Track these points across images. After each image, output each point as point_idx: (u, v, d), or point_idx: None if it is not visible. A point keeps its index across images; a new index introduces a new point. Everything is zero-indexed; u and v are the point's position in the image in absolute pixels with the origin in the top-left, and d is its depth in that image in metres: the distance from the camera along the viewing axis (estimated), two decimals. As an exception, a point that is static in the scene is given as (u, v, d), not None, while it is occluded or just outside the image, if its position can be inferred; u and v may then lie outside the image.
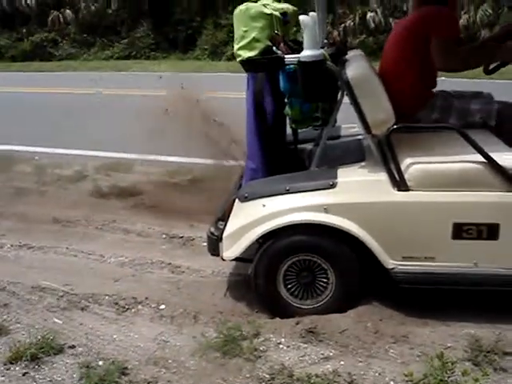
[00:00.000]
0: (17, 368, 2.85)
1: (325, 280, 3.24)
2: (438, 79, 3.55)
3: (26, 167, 6.43)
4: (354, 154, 3.47)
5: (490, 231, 3.00)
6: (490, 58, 3.34)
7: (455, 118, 3.34)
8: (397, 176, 3.06)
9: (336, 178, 3.17)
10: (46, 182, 5.84)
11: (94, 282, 3.73)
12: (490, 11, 16.61)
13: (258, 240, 3.23)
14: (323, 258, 3.19)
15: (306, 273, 3.24)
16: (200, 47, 19.22)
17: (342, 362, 2.83)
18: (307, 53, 3.16)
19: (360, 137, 3.74)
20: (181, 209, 4.89)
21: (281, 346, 2.97)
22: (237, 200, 3.44)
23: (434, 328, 3.10)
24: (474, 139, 2.98)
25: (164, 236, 4.48)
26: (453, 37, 3.22)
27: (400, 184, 3.06)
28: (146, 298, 3.47)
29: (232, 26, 3.61)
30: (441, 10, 3.25)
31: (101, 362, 2.86)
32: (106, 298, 3.49)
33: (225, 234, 3.30)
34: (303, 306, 3.28)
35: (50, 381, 2.76)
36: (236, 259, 3.37)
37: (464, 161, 3.01)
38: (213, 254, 3.45)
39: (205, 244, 4.12)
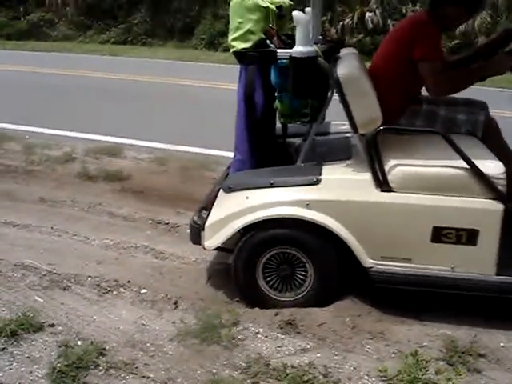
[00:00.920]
0: (-5, 343, 2.86)
1: (303, 274, 3.27)
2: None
3: (15, 146, 6.41)
4: (340, 152, 3.49)
5: (469, 237, 3.02)
6: (479, 79, 3.35)
7: (440, 127, 3.36)
8: (380, 176, 3.09)
9: (320, 174, 3.20)
10: (35, 162, 5.83)
11: (77, 263, 3.73)
12: (488, 19, 16.67)
13: (239, 231, 3.25)
14: (303, 252, 3.21)
15: (285, 266, 3.27)
16: (197, 36, 19.17)
17: (319, 355, 2.86)
18: (299, 49, 3.18)
19: (348, 135, 3.76)
20: (168, 195, 4.92)
21: (259, 335, 3.00)
22: (221, 190, 3.46)
23: (411, 326, 3.13)
24: (458, 145, 3.00)
25: (150, 221, 4.49)
26: (437, 59, 3.21)
27: (383, 184, 3.09)
28: (128, 282, 3.48)
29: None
30: (426, 27, 3.23)
31: (79, 342, 2.87)
32: (89, 279, 3.49)
33: (207, 224, 3.32)
34: (281, 299, 3.31)
35: (28, 357, 2.76)
36: (217, 249, 3.40)
37: (447, 166, 3.04)
38: (194, 243, 3.47)
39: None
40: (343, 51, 3.62)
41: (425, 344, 2.97)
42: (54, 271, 3.57)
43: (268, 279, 3.31)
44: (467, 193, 3.02)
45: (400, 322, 3.17)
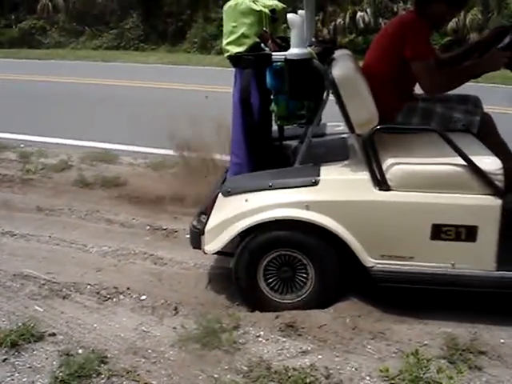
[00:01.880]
0: (-4, 354, 2.86)
1: (304, 275, 3.27)
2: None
3: (11, 154, 6.40)
4: (337, 152, 3.50)
5: (468, 233, 3.04)
6: (473, 76, 3.36)
7: (437, 124, 3.37)
8: (378, 176, 3.10)
9: (318, 175, 3.21)
10: (31, 170, 5.81)
11: (76, 271, 3.73)
12: (479, 15, 16.72)
13: (239, 234, 3.25)
14: (303, 254, 3.22)
15: (286, 268, 3.27)
16: (189, 40, 19.19)
17: (320, 357, 2.86)
18: (294, 51, 3.19)
19: (344, 135, 3.77)
20: (165, 201, 4.90)
21: (260, 339, 3.01)
22: (220, 194, 3.46)
23: (412, 325, 3.14)
24: (455, 142, 3.02)
25: (147, 227, 4.49)
26: (429, 57, 3.22)
27: (381, 184, 3.10)
28: (128, 289, 3.48)
29: (222, 19, 3.63)
30: (415, 26, 3.24)
31: (81, 350, 2.87)
32: (88, 287, 3.50)
33: (207, 228, 3.33)
34: (283, 301, 3.32)
35: (30, 367, 2.76)
36: (217, 253, 3.40)
37: (445, 163, 3.05)
38: (195, 247, 3.48)
39: (188, 236, 4.16)
40: (337, 52, 3.63)
41: (426, 342, 2.98)
42: (54, 280, 3.57)
43: (269, 281, 3.31)
44: (465, 189, 3.04)
45: (400, 322, 3.18)
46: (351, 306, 3.28)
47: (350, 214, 3.13)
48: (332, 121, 4.03)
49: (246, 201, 3.25)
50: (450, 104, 3.51)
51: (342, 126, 3.79)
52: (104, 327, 3.11)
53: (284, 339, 3.00)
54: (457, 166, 3.02)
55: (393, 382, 2.68)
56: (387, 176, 3.08)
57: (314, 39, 3.96)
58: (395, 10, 17.58)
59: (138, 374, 2.71)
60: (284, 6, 3.82)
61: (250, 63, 3.44)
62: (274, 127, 3.98)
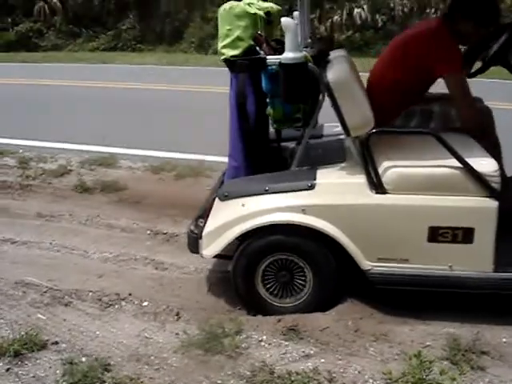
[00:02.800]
0: (0, 364, 2.85)
1: (302, 279, 3.28)
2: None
3: (9, 160, 6.39)
4: (334, 155, 3.50)
5: (465, 235, 3.04)
6: None
7: (436, 123, 3.38)
8: (375, 179, 3.10)
9: (315, 179, 3.21)
10: (30, 176, 5.81)
11: (78, 278, 3.74)
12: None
13: (237, 238, 3.26)
14: (301, 258, 3.23)
15: (284, 272, 3.28)
16: (186, 40, 19.17)
17: (323, 360, 2.87)
18: (289, 55, 3.18)
19: (342, 137, 3.77)
20: (165, 204, 4.92)
21: (262, 343, 3.01)
22: (217, 198, 3.47)
23: (414, 327, 3.15)
24: (450, 144, 3.01)
25: (148, 232, 4.49)
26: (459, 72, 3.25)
27: (378, 187, 3.10)
28: (130, 295, 3.48)
29: (219, 19, 3.63)
30: (445, 42, 3.26)
31: (84, 359, 2.87)
32: (90, 294, 3.50)
33: (204, 232, 3.34)
34: (281, 305, 3.33)
35: (34, 377, 2.77)
36: (216, 257, 3.40)
37: (441, 165, 3.05)
38: (192, 252, 3.49)
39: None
40: (333, 54, 3.63)
41: (428, 344, 2.99)
42: (55, 287, 3.57)
43: (267, 286, 3.32)
44: (462, 192, 3.03)
45: (402, 323, 3.18)
46: (352, 308, 3.28)
47: (347, 217, 3.14)
48: (330, 122, 4.02)
49: (243, 205, 3.25)
50: (447, 104, 3.52)
51: (339, 127, 3.80)
52: (106, 334, 3.11)
53: (286, 343, 3.00)
54: (453, 169, 3.02)
55: (396, 384, 2.69)
56: (383, 179, 3.08)
57: (310, 38, 3.96)
58: (391, 5, 17.53)
59: (142, 382, 2.71)
60: (279, 8, 3.81)
61: (244, 67, 3.44)
62: (271, 129, 3.98)
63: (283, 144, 4.04)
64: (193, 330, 3.10)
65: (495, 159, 3.12)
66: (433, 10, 16.44)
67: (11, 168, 6.14)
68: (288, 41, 3.20)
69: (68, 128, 7.89)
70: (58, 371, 2.80)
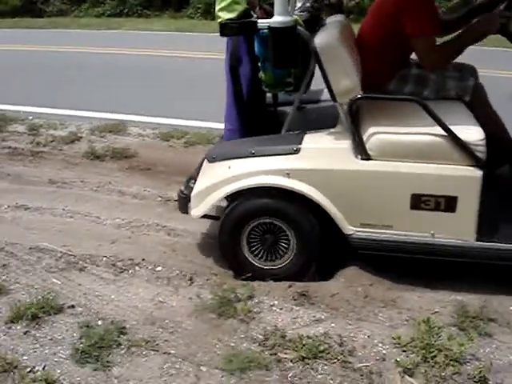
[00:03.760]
0: (18, 327, 2.93)
1: (286, 243, 3.34)
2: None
3: (19, 127, 6.40)
4: (326, 120, 3.48)
5: (447, 203, 3.05)
6: (469, 43, 3.32)
7: (430, 91, 3.37)
8: (359, 145, 3.11)
9: (300, 143, 3.23)
10: (41, 143, 5.84)
11: (91, 244, 3.79)
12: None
13: (227, 199, 3.35)
14: (285, 222, 3.28)
15: (269, 235, 3.34)
16: (193, 5, 18.96)
17: (333, 325, 2.93)
18: (278, 19, 3.13)
19: None
20: (175, 171, 4.94)
21: (274, 308, 3.07)
22: (205, 160, 3.52)
23: (422, 294, 3.21)
24: (436, 112, 2.99)
25: (159, 199, 4.53)
26: (430, 34, 3.18)
27: (362, 153, 3.11)
28: (143, 260, 3.55)
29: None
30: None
31: (100, 322, 2.95)
32: (104, 259, 3.56)
33: (193, 193, 3.41)
34: (265, 267, 3.40)
35: (51, 339, 2.84)
36: (204, 216, 3.47)
37: (425, 133, 3.04)
38: (182, 212, 3.59)
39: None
40: (330, 19, 3.61)
41: (436, 310, 3.04)
42: (70, 253, 3.64)
43: (252, 248, 3.38)
44: (445, 160, 3.03)
45: (411, 290, 3.24)
46: (362, 275, 3.32)
47: (330, 182, 3.16)
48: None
49: (229, 167, 3.30)
50: (444, 71, 3.50)
51: None
52: (121, 298, 3.18)
53: (297, 308, 3.07)
54: (437, 136, 3.01)
55: (405, 349, 2.74)
56: (367, 145, 3.09)
57: (315, 2, 3.89)
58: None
59: (157, 344, 2.79)
60: None
61: (234, 31, 3.42)
62: (269, 94, 3.99)
63: (280, 109, 4.05)
64: (206, 295, 3.16)
65: (495, 131, 3.12)
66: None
67: (21, 135, 6.16)
68: (277, 5, 3.15)
69: (76, 94, 7.87)
70: (74, 334, 2.87)
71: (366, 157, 3.11)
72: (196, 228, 3.99)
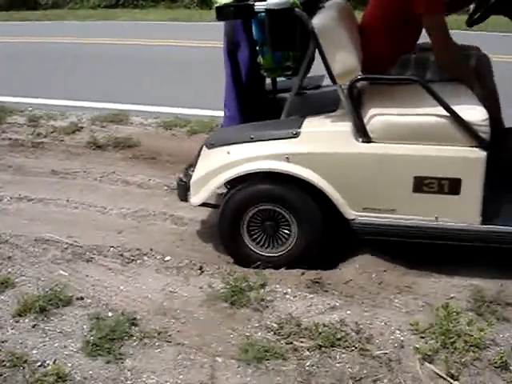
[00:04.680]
0: (26, 320, 2.85)
1: (287, 230, 3.28)
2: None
3: (19, 118, 6.32)
4: (327, 105, 3.42)
5: (451, 186, 2.98)
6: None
7: (432, 73, 3.30)
8: (360, 127, 3.04)
9: (300, 127, 3.16)
10: (42, 134, 5.76)
11: (98, 234, 3.73)
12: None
13: (225, 186, 3.31)
14: (285, 208, 3.22)
15: (270, 222, 3.28)
16: (189, -5, 18.87)
17: (349, 312, 2.87)
18: (274, 1, 3.08)
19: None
20: (179, 160, 4.86)
21: (287, 296, 3.01)
22: (204, 147, 3.46)
23: (437, 279, 3.15)
24: (438, 93, 2.92)
25: (165, 188, 4.47)
26: (437, 10, 3.10)
27: (363, 135, 3.05)
28: (151, 250, 3.48)
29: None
30: None
31: (110, 313, 2.87)
32: (111, 249, 3.49)
33: (192, 180, 3.36)
34: (267, 254, 3.34)
35: (61, 332, 2.77)
36: (203, 205, 3.41)
37: (427, 114, 2.98)
38: (182, 200, 3.54)
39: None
40: (330, 1, 3.55)
41: (452, 295, 2.99)
42: (76, 244, 3.56)
43: (253, 235, 3.33)
44: (448, 141, 2.97)
45: (426, 275, 3.18)
46: (375, 261, 3.26)
47: (331, 166, 3.10)
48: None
49: (228, 153, 3.24)
50: None
51: None
52: (131, 289, 3.11)
53: (311, 296, 3.01)
54: (440, 117, 2.94)
55: (423, 335, 2.68)
56: (368, 127, 3.03)
57: None
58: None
59: (170, 335, 2.72)
60: None
61: (230, 14, 3.34)
62: (268, 80, 3.92)
63: (280, 95, 3.96)
64: (217, 284, 3.10)
65: (492, 109, 3.06)
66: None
67: (21, 126, 6.08)
68: None
69: (75, 85, 7.82)
70: (84, 326, 2.80)
71: (367, 139, 3.04)
72: (203, 216, 3.94)
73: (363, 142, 3.05)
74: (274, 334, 2.72)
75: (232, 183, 3.27)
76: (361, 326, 2.75)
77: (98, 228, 3.83)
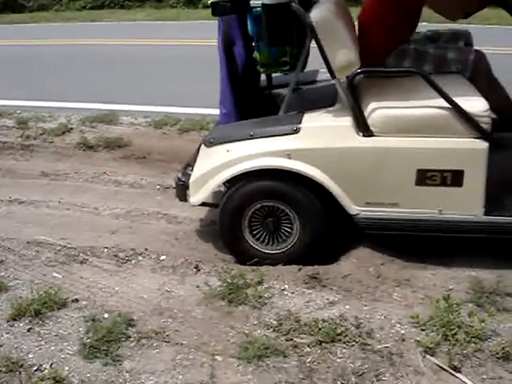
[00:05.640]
0: (21, 324, 2.80)
1: (289, 226, 3.25)
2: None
3: (8, 121, 6.23)
4: (324, 99, 3.40)
5: (454, 178, 2.97)
6: None
7: (430, 66, 3.30)
8: (361, 121, 3.02)
9: (300, 123, 3.14)
10: (31, 136, 5.69)
11: (91, 235, 3.69)
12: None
13: (224, 185, 3.27)
14: (287, 205, 3.19)
15: (271, 219, 3.25)
16: (175, -6, 18.79)
17: (348, 307, 2.85)
18: None
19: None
20: (171, 159, 4.87)
21: (285, 292, 2.98)
22: (202, 145, 3.42)
23: (435, 271, 3.13)
24: (438, 84, 2.92)
25: (158, 187, 4.44)
26: None
27: (364, 129, 3.03)
28: (146, 249, 3.43)
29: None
30: None
31: (106, 315, 2.83)
32: (105, 250, 3.43)
33: (191, 180, 3.32)
34: (268, 252, 3.31)
35: (57, 335, 2.72)
36: (203, 204, 3.38)
37: (428, 106, 2.97)
38: (181, 200, 3.49)
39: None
40: None
41: (451, 287, 2.98)
42: (69, 245, 3.51)
43: (254, 233, 3.30)
44: (450, 133, 2.96)
45: (423, 268, 3.17)
46: (373, 255, 3.24)
47: (333, 161, 3.08)
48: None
49: (228, 151, 3.21)
50: (441, 43, 3.43)
51: None
52: (126, 290, 3.07)
53: (309, 291, 2.98)
54: (441, 109, 2.94)
55: (424, 328, 2.66)
56: (369, 121, 3.01)
57: None
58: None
59: (168, 335, 2.67)
60: None
61: (226, 10, 3.31)
62: (263, 76, 3.91)
63: (275, 91, 3.95)
64: (214, 282, 3.07)
65: (499, 99, 3.04)
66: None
67: (10, 129, 6.00)
68: None
69: (64, 86, 7.77)
70: (80, 329, 2.75)
71: (368, 133, 3.02)
72: (198, 215, 3.92)
73: (364, 135, 3.03)
74: (274, 330, 2.69)
75: (231, 181, 3.23)
76: (360, 321, 2.73)
77: (91, 229, 3.79)
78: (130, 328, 2.72)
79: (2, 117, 6.40)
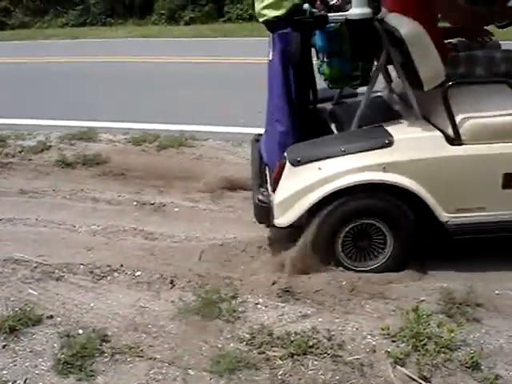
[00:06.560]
0: (-5, 341, 2.83)
1: (382, 242, 3.27)
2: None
3: (-15, 139, 6.23)
4: (384, 111, 3.51)
5: None
6: None
7: (481, 69, 3.37)
8: (451, 131, 3.11)
9: (391, 136, 3.17)
10: (9, 154, 5.68)
11: (67, 252, 3.69)
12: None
13: (312, 206, 3.18)
14: (381, 220, 3.21)
15: (365, 237, 3.27)
16: (157, 12, 18.85)
17: (320, 319, 2.89)
18: (356, 11, 3.09)
19: (379, 93, 3.81)
20: (148, 175, 4.88)
21: (259, 306, 3.02)
22: (287, 164, 3.27)
23: (407, 283, 3.18)
24: None
25: (135, 203, 4.44)
26: None
27: (454, 138, 3.11)
28: (121, 266, 3.45)
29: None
30: None
31: (81, 331, 2.85)
32: (81, 267, 3.45)
33: (277, 201, 3.24)
34: (361, 268, 3.32)
35: (31, 351, 2.74)
36: (288, 226, 3.29)
37: None
38: (261, 222, 3.47)
39: (177, 209, 4.14)
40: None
41: (422, 299, 3.03)
42: (45, 262, 3.52)
43: (347, 251, 3.29)
44: None
45: (398, 280, 3.21)
46: (345, 271, 3.28)
47: (426, 171, 3.13)
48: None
49: (320, 169, 3.17)
50: (486, 49, 3.55)
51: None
52: (101, 306, 3.09)
53: (283, 305, 3.02)
54: None
55: (394, 339, 2.71)
56: (460, 131, 3.10)
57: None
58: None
59: (142, 350, 2.71)
60: None
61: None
62: None
63: (319, 105, 3.94)
64: (188, 297, 3.10)
65: None
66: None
67: (-13, 147, 5.99)
68: None
69: (43, 104, 7.76)
70: (55, 344, 2.78)
71: (459, 142, 3.11)
72: (174, 231, 3.94)
73: (453, 144, 3.12)
74: (246, 344, 2.72)
75: (319, 203, 3.17)
76: (332, 333, 2.77)
77: (68, 246, 3.79)
78: (104, 343, 2.75)
79: (-20, 135, 6.37)
